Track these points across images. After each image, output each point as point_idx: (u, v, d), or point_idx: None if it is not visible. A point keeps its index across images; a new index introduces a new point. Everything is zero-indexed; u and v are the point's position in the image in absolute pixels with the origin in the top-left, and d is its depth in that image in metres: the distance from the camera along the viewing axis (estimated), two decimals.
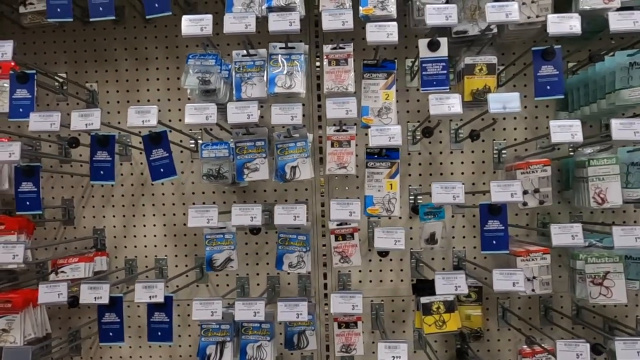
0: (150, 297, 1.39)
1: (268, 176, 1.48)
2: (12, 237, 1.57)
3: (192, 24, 1.37)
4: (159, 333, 1.48)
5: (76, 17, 1.57)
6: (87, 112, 1.40)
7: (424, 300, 1.50)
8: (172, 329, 1.48)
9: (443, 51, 1.43)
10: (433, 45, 1.43)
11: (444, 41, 1.43)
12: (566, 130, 1.32)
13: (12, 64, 1.55)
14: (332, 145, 1.49)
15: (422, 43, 1.44)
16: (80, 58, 1.95)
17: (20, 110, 1.48)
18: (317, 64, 1.89)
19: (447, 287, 1.36)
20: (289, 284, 1.92)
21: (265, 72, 1.46)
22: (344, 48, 1.47)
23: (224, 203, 1.92)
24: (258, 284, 1.92)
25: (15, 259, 1.40)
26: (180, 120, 1.91)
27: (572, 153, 1.76)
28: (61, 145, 1.91)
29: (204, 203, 1.92)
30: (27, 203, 1.50)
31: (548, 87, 1.39)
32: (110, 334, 1.50)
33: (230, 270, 1.63)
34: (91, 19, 1.50)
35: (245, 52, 1.49)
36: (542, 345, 1.62)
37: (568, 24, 1.31)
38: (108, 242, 1.95)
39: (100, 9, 1.49)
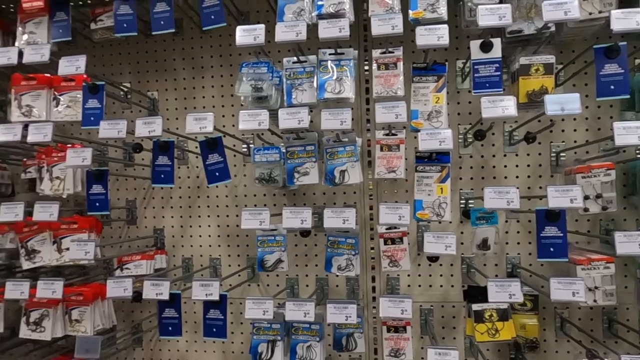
0: (206, 295, 1.46)
1: (318, 180, 1.51)
2: (83, 235, 1.71)
3: (246, 34, 1.42)
4: (214, 329, 1.55)
5: (139, 30, 1.69)
6: (150, 119, 1.50)
7: (475, 307, 1.47)
8: (226, 325, 1.55)
9: (496, 52, 1.39)
10: (485, 47, 1.39)
11: (497, 42, 1.39)
12: (632, 132, 1.24)
13: (85, 76, 1.68)
14: (382, 150, 1.49)
15: (474, 45, 1.41)
16: (143, 68, 2.08)
17: (92, 118, 1.60)
18: (366, 68, 1.89)
19: (500, 295, 1.32)
20: (337, 286, 1.94)
21: (315, 78, 1.49)
22: (393, 52, 1.47)
23: (274, 205, 1.98)
24: (307, 285, 1.96)
25: (87, 256, 1.52)
26: (233, 125, 1.99)
27: (639, 156, 1.65)
28: (125, 150, 2.05)
29: (255, 205, 1.99)
30: (97, 204, 1.63)
31: (612, 87, 1.31)
32: (170, 328, 1.59)
33: (280, 271, 1.67)
34: (153, 32, 1.61)
35: (295, 59, 1.53)
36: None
37: (634, 20, 1.23)
38: (167, 241, 2.06)
39: (162, 22, 1.59)
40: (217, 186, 1.96)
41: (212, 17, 1.56)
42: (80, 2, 1.90)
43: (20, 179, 2.09)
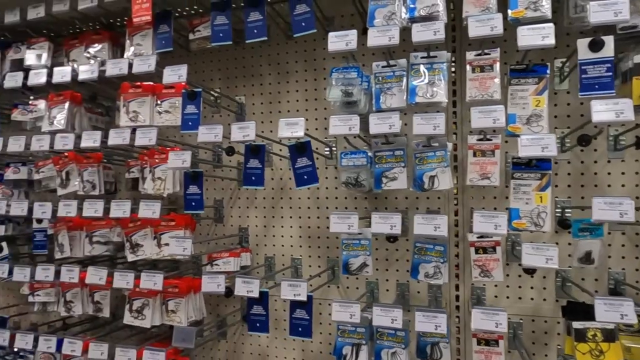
0: (294, 295, 1.50)
1: (406, 185, 1.49)
2: (179, 232, 1.83)
3: (338, 40, 1.44)
4: (300, 329, 1.59)
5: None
6: (244, 124, 1.57)
7: (577, 325, 1.37)
8: (311, 325, 1.58)
9: (608, 51, 1.29)
10: (595, 46, 1.29)
11: (609, 40, 1.29)
12: None
13: (183, 83, 1.80)
14: (475, 155, 1.44)
15: (582, 43, 1.31)
16: (232, 74, 2.18)
17: (190, 123, 1.71)
18: (453, 70, 1.84)
19: (610, 315, 1.22)
20: (418, 292, 1.90)
21: (405, 82, 1.48)
22: (489, 54, 1.41)
23: (355, 209, 1.99)
24: (387, 290, 1.94)
25: (184, 252, 1.63)
26: (316, 129, 2.03)
27: None
28: (214, 152, 2.16)
29: (336, 208, 2.01)
30: (193, 203, 1.73)
31: None
32: (257, 324, 1.66)
33: (364, 275, 1.68)
34: (247, 41, 1.68)
35: (384, 63, 1.52)
36: None
37: None
38: (251, 240, 2.15)
39: (255, 31, 1.66)
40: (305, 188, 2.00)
41: (303, 24, 1.60)
42: (177, 14, 2.03)
43: (123, 178, 2.30)
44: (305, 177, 1.59)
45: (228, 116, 2.18)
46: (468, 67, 1.42)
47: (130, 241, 1.87)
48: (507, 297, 1.79)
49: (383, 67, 1.53)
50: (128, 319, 1.83)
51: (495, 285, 1.80)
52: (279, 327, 2.09)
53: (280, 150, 2.06)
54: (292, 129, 1.48)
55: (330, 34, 1.46)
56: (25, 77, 1.92)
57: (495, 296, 1.81)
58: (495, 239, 1.49)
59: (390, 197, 1.94)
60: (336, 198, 2.02)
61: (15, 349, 2.18)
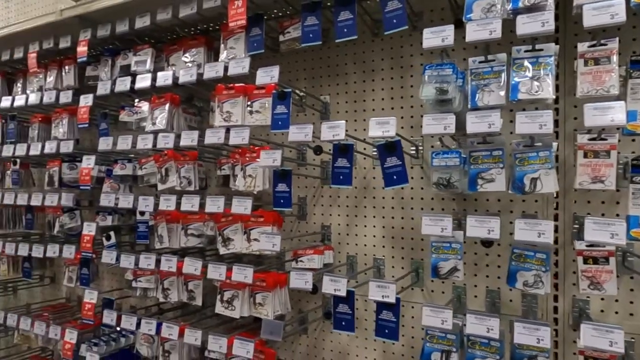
0: (382, 296, 1.49)
1: (504, 187, 1.41)
2: (267, 228, 1.89)
3: (433, 36, 1.40)
4: (386, 330, 1.57)
5: None
6: (334, 124, 1.58)
7: None
8: (398, 328, 1.56)
9: None
10: None
11: None
12: None
13: (274, 84, 1.85)
14: (586, 156, 1.32)
15: None
16: (317, 74, 2.21)
17: (279, 123, 1.76)
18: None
19: None
20: (510, 300, 1.79)
21: (505, 77, 1.39)
22: (605, 45, 1.28)
23: (442, 210, 1.92)
24: (475, 296, 1.86)
25: (273, 248, 1.68)
26: (402, 127, 1.99)
27: None
28: (299, 150, 2.21)
29: (422, 209, 1.96)
30: (282, 201, 1.78)
31: None
32: (343, 323, 1.67)
33: (454, 280, 1.61)
34: (337, 40, 1.69)
35: (482, 58, 1.44)
36: None
37: None
38: (333, 238, 2.17)
39: (345, 30, 1.66)
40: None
41: (395, 20, 1.57)
42: (266, 17, 2.09)
43: (212, 175, 2.43)
44: (395, 177, 1.56)
45: (312, 115, 2.21)
46: (580, 60, 1.30)
47: (222, 235, 1.97)
48: (616, 313, 1.63)
49: (480, 62, 1.46)
50: (219, 308, 1.93)
51: (602, 299, 1.64)
52: (360, 326, 2.09)
53: (365, 149, 2.05)
54: (383, 128, 1.46)
55: (425, 30, 1.41)
56: (132, 82, 2.10)
57: (602, 310, 1.65)
58: (608, 248, 1.36)
59: (480, 198, 1.84)
60: (422, 198, 1.96)
61: (118, 328, 2.40)
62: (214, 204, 1.82)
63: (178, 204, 1.95)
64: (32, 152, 2.45)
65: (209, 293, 2.41)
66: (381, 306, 1.57)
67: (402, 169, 1.55)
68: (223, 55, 1.97)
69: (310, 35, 1.74)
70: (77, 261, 2.41)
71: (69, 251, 2.35)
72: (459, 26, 1.51)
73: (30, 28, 2.32)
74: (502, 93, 1.39)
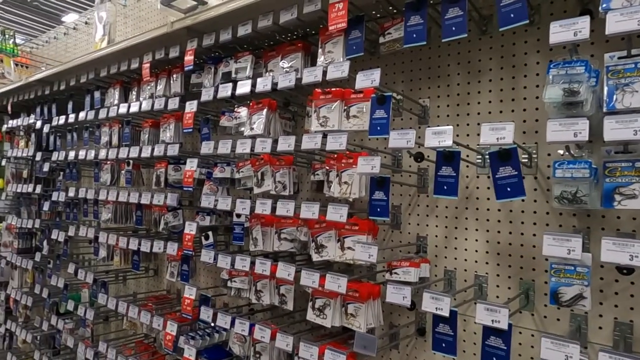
0: (492, 321, 1.34)
1: None
2: (362, 237, 1.83)
3: (563, 30, 1.22)
4: (494, 358, 1.42)
5: None
6: (439, 129, 1.46)
7: None
8: (509, 357, 1.39)
9: None
10: None
11: None
12: None
13: (371, 88, 1.78)
14: None
15: None
16: (415, 76, 2.10)
17: (378, 128, 1.68)
18: None
19: None
20: None
21: None
22: None
23: (560, 226, 1.70)
24: (600, 328, 1.61)
25: (370, 258, 1.61)
26: None
27: None
28: (394, 156, 2.11)
29: (534, 224, 1.75)
30: (378, 209, 1.71)
31: None
32: (443, 345, 1.54)
33: (579, 309, 1.41)
34: (443, 40, 1.58)
35: (623, 53, 1.24)
36: None
37: None
38: (429, 250, 2.04)
39: (453, 28, 1.54)
40: (487, 198, 1.80)
41: (512, 15, 1.42)
42: (370, 18, 2.03)
43: (304, 180, 2.43)
44: (509, 188, 1.40)
45: (410, 120, 2.11)
46: None
47: (316, 242, 1.95)
48: None
49: (619, 58, 1.25)
50: (311, 315, 1.91)
51: None
52: (459, 346, 1.93)
53: (467, 156, 1.89)
54: (497, 134, 1.32)
55: (553, 23, 1.25)
56: (233, 88, 2.17)
57: None
58: None
59: (609, 216, 1.59)
60: (534, 212, 1.76)
61: (213, 325, 2.50)
62: (309, 210, 1.80)
63: (273, 208, 1.97)
64: (143, 155, 2.65)
65: (298, 297, 2.42)
66: (489, 331, 1.42)
67: (519, 180, 1.39)
68: (321, 60, 1.95)
69: (414, 36, 1.65)
70: (178, 257, 2.56)
71: (172, 248, 2.50)
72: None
73: (145, 40, 2.52)
74: None
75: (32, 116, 4.10)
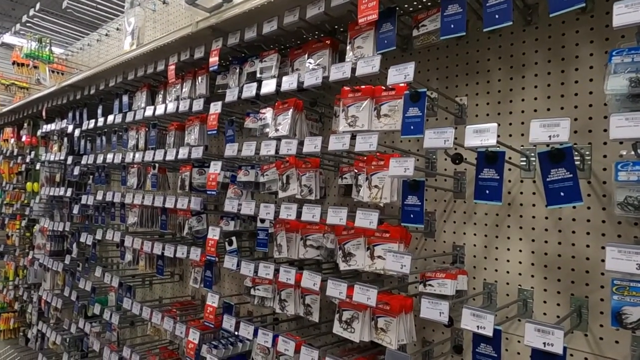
0: (544, 344, 1.18)
1: None
2: (394, 245, 1.69)
3: (630, 10, 1.06)
4: None
5: None
6: (481, 127, 1.32)
7: None
8: None
9: None
10: None
11: None
12: None
13: (405, 85, 1.65)
14: None
15: None
16: (451, 73, 1.95)
17: (412, 127, 1.55)
18: None
19: None
20: None
21: None
22: None
23: (619, 237, 1.51)
24: None
25: (402, 269, 1.47)
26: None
27: None
28: (428, 158, 1.97)
29: (588, 234, 1.57)
30: (412, 216, 1.57)
31: None
32: None
33: None
34: (485, 29, 1.43)
35: None
36: None
37: None
38: (467, 260, 1.87)
39: (497, 16, 1.40)
40: (533, 204, 1.63)
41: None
42: (401, 12, 1.91)
43: (331, 183, 2.31)
44: (562, 193, 1.24)
45: (445, 119, 1.96)
46: None
47: (343, 249, 1.83)
48: None
49: None
50: (337, 328, 1.78)
51: None
52: None
53: (510, 158, 1.73)
54: (551, 131, 1.16)
55: (617, 4, 1.09)
56: (258, 88, 2.09)
57: None
58: None
59: None
60: (588, 221, 1.57)
61: (236, 333, 2.40)
62: (336, 216, 1.68)
63: (299, 213, 1.86)
64: (168, 158, 2.61)
65: (324, 308, 2.30)
66: (539, 355, 1.25)
67: (574, 184, 1.22)
68: (350, 56, 1.84)
69: (452, 26, 1.51)
70: (202, 263, 2.49)
71: (195, 253, 2.44)
72: None
73: (170, 42, 2.48)
74: None
75: (65, 121, 4.18)
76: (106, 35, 4.72)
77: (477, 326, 1.31)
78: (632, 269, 1.05)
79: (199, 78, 2.63)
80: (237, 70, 2.38)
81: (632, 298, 1.20)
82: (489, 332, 1.29)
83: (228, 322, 2.20)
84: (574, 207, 1.60)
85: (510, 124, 1.77)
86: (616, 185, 1.21)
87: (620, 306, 1.22)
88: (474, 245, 1.86)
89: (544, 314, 1.66)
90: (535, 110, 1.71)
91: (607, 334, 1.52)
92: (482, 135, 1.30)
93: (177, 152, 2.53)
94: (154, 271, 3.08)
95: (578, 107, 1.61)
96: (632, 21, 1.06)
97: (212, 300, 2.30)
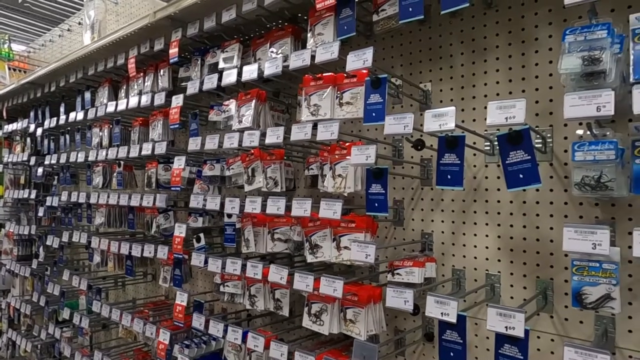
0: (506, 327, 1.17)
1: None
2: (360, 235, 1.66)
3: None
4: None
5: None
6: (440, 111, 1.30)
7: None
8: None
9: None
10: None
11: None
12: None
13: (366, 71, 1.62)
14: None
15: None
16: (415, 59, 1.93)
17: (373, 114, 1.52)
18: None
19: None
20: None
21: None
22: None
23: (580, 218, 1.51)
24: (630, 331, 1.42)
25: (367, 259, 1.45)
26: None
27: None
28: (394, 146, 1.94)
29: (551, 216, 1.57)
30: (376, 204, 1.54)
31: None
32: (451, 354, 1.37)
33: (605, 311, 1.22)
34: (442, 11, 1.41)
35: None
36: None
37: None
38: (435, 248, 1.86)
39: None
40: (498, 189, 1.62)
41: None
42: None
43: (302, 175, 2.27)
44: (521, 175, 1.23)
45: (411, 106, 1.93)
46: None
47: (310, 241, 1.79)
48: None
49: None
50: (307, 322, 1.75)
51: None
52: (469, 353, 1.75)
53: (474, 143, 1.72)
54: (506, 112, 1.15)
55: None
56: (219, 79, 2.02)
57: None
58: None
59: (637, 204, 1.41)
60: (551, 203, 1.58)
61: (206, 332, 2.35)
62: (301, 207, 1.65)
63: (263, 206, 1.81)
64: (131, 155, 2.52)
65: (297, 301, 2.26)
66: (503, 339, 1.24)
67: (532, 166, 1.21)
68: (310, 43, 1.79)
69: (410, 10, 1.48)
70: (170, 262, 2.43)
71: (163, 252, 2.37)
72: None
73: (129, 34, 2.39)
74: None
75: (26, 120, 4.02)
76: (68, 30, 4.55)
77: (441, 313, 1.29)
78: (588, 248, 1.04)
79: (161, 71, 2.54)
80: (199, 62, 2.31)
81: (591, 278, 1.20)
82: (452, 319, 1.27)
83: (198, 321, 2.14)
84: (537, 190, 1.60)
85: (474, 108, 1.76)
86: (574, 166, 1.21)
87: (580, 286, 1.23)
88: (442, 232, 1.85)
89: (512, 297, 1.67)
90: (498, 94, 1.70)
91: (571, 314, 1.53)
92: (441, 119, 1.28)
93: (141, 149, 2.45)
94: (123, 272, 2.99)
95: (539, 90, 1.61)
96: None
97: (181, 299, 2.24)
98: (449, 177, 1.36)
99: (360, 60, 1.46)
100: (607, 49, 1.08)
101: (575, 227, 1.08)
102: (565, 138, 1.53)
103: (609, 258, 1.18)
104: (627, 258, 1.39)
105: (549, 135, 1.56)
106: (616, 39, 1.12)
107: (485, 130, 1.71)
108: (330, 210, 1.56)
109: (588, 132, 1.20)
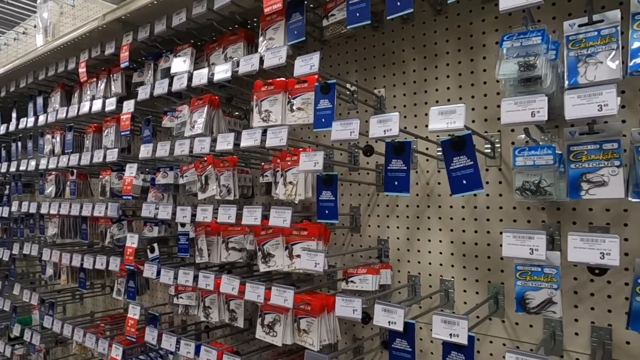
0: (450, 335, 1.15)
1: (622, 193, 1.02)
2: (312, 243, 1.63)
3: None
4: None
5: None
6: (385, 117, 1.28)
7: None
8: None
9: None
10: None
11: None
12: None
13: (317, 76, 1.60)
14: None
15: None
16: (369, 65, 1.92)
17: (323, 120, 1.50)
18: None
19: None
20: (628, 343, 1.36)
21: (620, 43, 1.01)
22: None
23: (528, 222, 1.53)
24: (576, 334, 1.44)
25: (316, 267, 1.41)
26: (473, 121, 1.64)
27: None
28: (350, 153, 1.93)
29: (501, 221, 1.58)
30: (326, 212, 1.51)
31: None
32: None
33: (547, 315, 1.23)
34: (388, 17, 1.40)
35: (584, 20, 1.07)
36: None
37: None
38: (391, 254, 1.85)
39: (398, 3, 1.36)
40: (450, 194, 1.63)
41: None
42: (311, 5, 1.85)
43: (258, 182, 2.23)
44: (465, 181, 1.22)
45: (366, 112, 1.92)
46: None
47: (262, 250, 1.75)
48: None
49: (581, 25, 1.08)
50: (260, 333, 1.70)
51: None
52: None
53: (427, 149, 1.72)
54: (447, 118, 1.14)
55: None
56: (170, 84, 1.96)
57: None
58: None
59: (581, 208, 1.43)
60: (500, 208, 1.59)
61: (158, 347, 2.27)
62: (251, 215, 1.60)
63: (215, 214, 1.76)
64: (83, 162, 2.42)
65: (255, 311, 2.21)
66: (449, 346, 1.23)
67: (475, 171, 1.21)
68: (262, 48, 1.76)
69: (357, 15, 1.47)
70: (124, 273, 2.33)
71: (115, 263, 2.28)
72: None
73: (78, 36, 2.30)
74: (616, 64, 1.01)
75: None
76: (24, 33, 4.38)
77: (389, 322, 1.27)
78: (526, 253, 1.04)
79: (114, 76, 2.45)
80: (152, 67, 2.24)
81: (534, 282, 1.21)
82: (399, 327, 1.25)
83: (150, 335, 2.06)
84: (488, 195, 1.61)
85: (426, 114, 1.76)
86: (515, 171, 1.21)
87: (523, 291, 1.23)
88: (397, 238, 1.84)
89: (465, 302, 1.66)
90: (449, 100, 1.71)
91: (522, 319, 1.54)
92: (385, 125, 1.27)
93: (92, 156, 2.35)
94: (76, 285, 2.86)
95: (487, 95, 1.62)
96: (516, 5, 1.05)
97: (133, 312, 2.15)
98: (396, 183, 1.35)
99: (307, 65, 1.44)
100: (541, 55, 1.09)
101: (513, 233, 1.08)
102: (513, 143, 1.55)
103: (550, 262, 1.19)
104: (573, 262, 1.40)
105: (497, 140, 1.58)
106: (552, 45, 1.14)
107: (438, 136, 1.71)
108: (280, 218, 1.53)
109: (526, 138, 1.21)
